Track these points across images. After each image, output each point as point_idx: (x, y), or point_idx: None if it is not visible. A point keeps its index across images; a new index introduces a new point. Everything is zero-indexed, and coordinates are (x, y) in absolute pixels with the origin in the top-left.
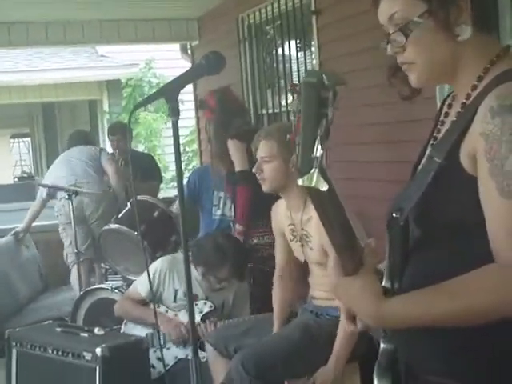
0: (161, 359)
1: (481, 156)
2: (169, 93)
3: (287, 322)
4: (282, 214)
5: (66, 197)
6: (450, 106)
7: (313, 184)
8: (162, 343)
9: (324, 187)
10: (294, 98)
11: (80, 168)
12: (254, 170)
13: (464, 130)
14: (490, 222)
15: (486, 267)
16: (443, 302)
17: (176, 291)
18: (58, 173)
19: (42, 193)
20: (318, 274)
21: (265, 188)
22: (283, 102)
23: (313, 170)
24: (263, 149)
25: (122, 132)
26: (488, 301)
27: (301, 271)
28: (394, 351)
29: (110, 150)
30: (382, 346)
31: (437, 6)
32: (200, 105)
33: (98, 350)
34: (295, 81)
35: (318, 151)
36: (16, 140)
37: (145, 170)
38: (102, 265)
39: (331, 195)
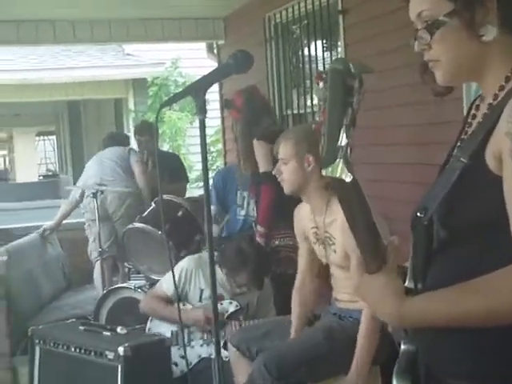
0: (184, 357)
1: (506, 155)
2: (196, 91)
3: (310, 324)
4: (305, 216)
5: (91, 194)
6: (477, 107)
7: (337, 174)
8: (186, 341)
9: (348, 178)
10: (318, 85)
11: (109, 167)
12: (273, 172)
13: (490, 131)
14: None
15: (508, 267)
16: (466, 301)
17: (202, 291)
18: (89, 172)
19: (75, 193)
20: (341, 276)
21: (285, 190)
22: (309, 103)
23: (337, 160)
24: (281, 150)
25: (149, 132)
26: (508, 300)
27: (326, 273)
28: (415, 352)
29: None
30: (402, 347)
31: (462, 6)
32: (226, 104)
33: (121, 349)
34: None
35: (344, 140)
36: (41, 138)
37: (172, 170)
38: (126, 264)
39: (355, 187)
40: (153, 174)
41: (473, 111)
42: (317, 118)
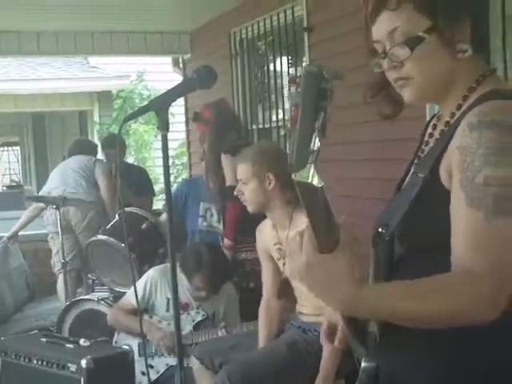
0: (152, 366)
1: (455, 168)
2: (159, 106)
3: (275, 337)
4: (267, 234)
5: (54, 206)
6: (434, 126)
7: (308, 179)
8: (153, 351)
9: (320, 183)
10: (290, 90)
11: (72, 178)
12: (235, 193)
13: (445, 147)
14: (455, 230)
15: (455, 272)
16: (409, 300)
17: (168, 300)
18: (51, 183)
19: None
20: (304, 290)
21: (249, 209)
22: (274, 118)
23: (308, 165)
24: (240, 172)
25: (117, 146)
26: (453, 305)
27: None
28: (376, 369)
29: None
30: (362, 364)
31: (443, 22)
32: (195, 117)
33: (83, 362)
34: (286, 97)
35: (316, 145)
36: (5, 148)
37: (138, 184)
38: (89, 275)
39: (322, 193)
40: (120, 186)
41: (429, 130)
42: (282, 133)
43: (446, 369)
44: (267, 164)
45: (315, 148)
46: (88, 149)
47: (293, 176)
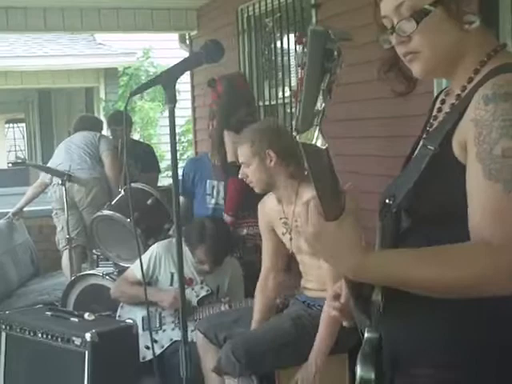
0: (156, 341)
1: (470, 141)
2: (166, 80)
3: (279, 311)
4: (271, 208)
5: (60, 182)
6: (443, 101)
7: (313, 141)
8: (157, 325)
9: (324, 145)
10: (297, 49)
11: (77, 154)
12: (240, 177)
13: (457, 120)
14: (473, 203)
15: (471, 242)
16: (437, 265)
17: (172, 275)
18: (56, 158)
19: (45, 175)
20: (311, 264)
21: (256, 190)
22: (280, 95)
23: (313, 126)
24: (240, 154)
25: (125, 122)
26: (466, 275)
27: (295, 263)
28: (379, 339)
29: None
30: (366, 335)
31: None
32: (209, 83)
33: (88, 335)
34: (293, 74)
35: (321, 106)
36: (11, 125)
37: (144, 160)
38: (94, 251)
39: (327, 155)
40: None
41: (438, 105)
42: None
43: (451, 340)
44: (266, 141)
45: (320, 109)
46: (93, 125)
47: (297, 138)
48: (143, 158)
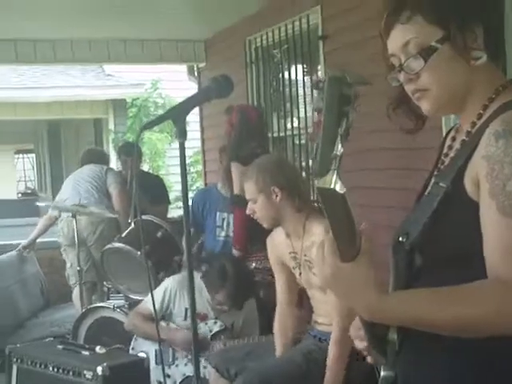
0: (169, 376)
1: (482, 178)
2: (177, 115)
3: (292, 346)
4: (281, 242)
5: (70, 215)
6: (453, 138)
7: (331, 186)
8: (170, 360)
9: (342, 189)
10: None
11: (84, 188)
12: (247, 212)
13: (468, 157)
14: (487, 240)
15: (486, 280)
16: (453, 305)
17: (186, 310)
18: (63, 193)
19: (53, 210)
20: (320, 299)
21: (265, 226)
22: (289, 126)
23: (331, 171)
24: (247, 191)
25: (135, 153)
26: (483, 313)
27: (306, 298)
28: (395, 379)
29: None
30: (382, 373)
31: (455, 31)
32: (227, 110)
33: (99, 369)
34: (301, 105)
35: (338, 150)
36: (20, 156)
37: (154, 192)
38: (105, 283)
39: (345, 200)
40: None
41: (448, 142)
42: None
43: (467, 381)
44: (270, 178)
45: (338, 153)
46: (100, 158)
47: (315, 182)
48: (153, 189)
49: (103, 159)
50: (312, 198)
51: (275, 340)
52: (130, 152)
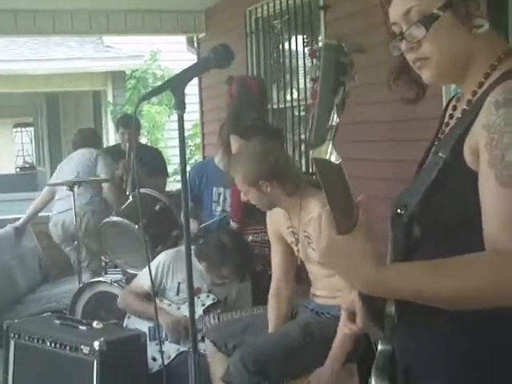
0: (163, 352)
1: (482, 147)
2: (175, 85)
3: (288, 319)
4: (279, 217)
5: (57, 213)
6: (454, 107)
7: (326, 156)
8: (163, 336)
9: (338, 160)
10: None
11: (74, 176)
12: (242, 199)
13: (468, 126)
14: (486, 210)
15: (483, 252)
16: (450, 277)
17: (179, 284)
18: (55, 179)
19: (48, 191)
20: (320, 273)
21: (262, 210)
22: (288, 97)
23: (326, 141)
24: (237, 184)
25: (133, 125)
26: (482, 284)
27: (303, 271)
28: (392, 352)
29: (113, 142)
30: (379, 347)
31: None
32: (227, 81)
33: (96, 344)
34: (301, 76)
35: (334, 121)
36: (19, 129)
37: (153, 165)
38: (102, 257)
39: (341, 170)
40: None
41: (449, 111)
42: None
43: (461, 356)
44: (256, 172)
45: (334, 124)
46: (91, 140)
47: (310, 152)
48: (151, 162)
49: (95, 141)
50: (310, 170)
51: (268, 315)
52: (128, 124)
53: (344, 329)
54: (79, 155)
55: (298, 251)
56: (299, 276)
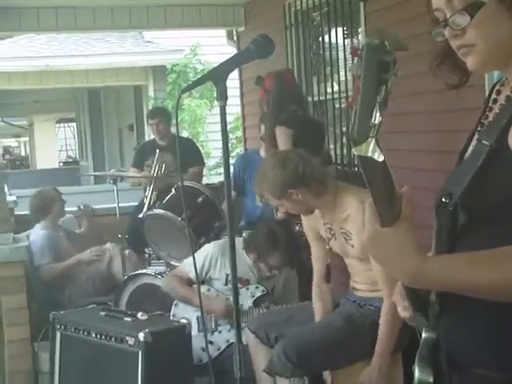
0: (212, 343)
1: None
2: (217, 76)
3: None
4: (315, 214)
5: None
6: (498, 92)
7: (369, 154)
8: (213, 327)
9: (380, 157)
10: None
11: None
12: (280, 212)
13: None
14: None
15: None
16: (489, 269)
17: (227, 275)
18: None
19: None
20: (360, 267)
21: (304, 215)
22: (329, 90)
23: (369, 138)
24: (270, 201)
25: (161, 115)
26: None
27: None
28: (436, 340)
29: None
30: (423, 335)
31: None
32: (257, 81)
33: (141, 335)
34: (341, 68)
35: (377, 119)
36: (62, 125)
37: (189, 155)
38: (146, 250)
39: (385, 167)
40: (166, 159)
41: (493, 96)
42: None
43: (508, 343)
44: (283, 185)
45: (376, 122)
46: None
47: (353, 150)
48: (186, 152)
49: None
50: (353, 162)
51: (314, 307)
52: (156, 115)
53: (387, 317)
54: None
55: (330, 249)
56: (328, 275)
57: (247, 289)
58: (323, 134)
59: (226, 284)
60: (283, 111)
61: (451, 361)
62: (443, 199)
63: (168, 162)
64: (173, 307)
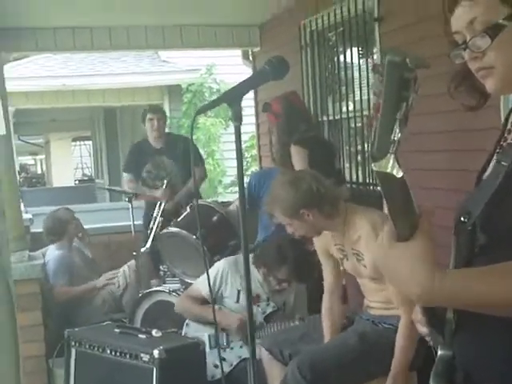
0: (224, 359)
1: None
2: (232, 98)
3: (344, 329)
4: (326, 234)
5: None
6: None
7: (388, 170)
8: (225, 343)
9: (399, 173)
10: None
11: None
12: (288, 232)
13: None
14: None
15: None
16: (502, 282)
17: (239, 292)
18: None
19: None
20: (372, 287)
21: (312, 237)
22: (344, 109)
23: (388, 155)
24: (280, 220)
25: (162, 112)
26: None
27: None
28: (452, 358)
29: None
30: (439, 352)
31: None
32: (264, 108)
33: (156, 352)
34: (356, 88)
35: (397, 135)
36: (77, 143)
37: (188, 155)
38: (161, 267)
39: (404, 183)
40: (167, 164)
41: (511, 119)
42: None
43: None
44: (294, 204)
45: (396, 138)
46: None
47: (372, 166)
48: (184, 151)
49: None
50: (368, 181)
51: (323, 326)
52: (157, 111)
53: (403, 336)
54: None
55: (344, 270)
56: (345, 296)
57: (258, 306)
58: (335, 154)
59: (238, 301)
60: (294, 131)
61: (467, 378)
62: (462, 218)
63: (168, 168)
64: (184, 327)
